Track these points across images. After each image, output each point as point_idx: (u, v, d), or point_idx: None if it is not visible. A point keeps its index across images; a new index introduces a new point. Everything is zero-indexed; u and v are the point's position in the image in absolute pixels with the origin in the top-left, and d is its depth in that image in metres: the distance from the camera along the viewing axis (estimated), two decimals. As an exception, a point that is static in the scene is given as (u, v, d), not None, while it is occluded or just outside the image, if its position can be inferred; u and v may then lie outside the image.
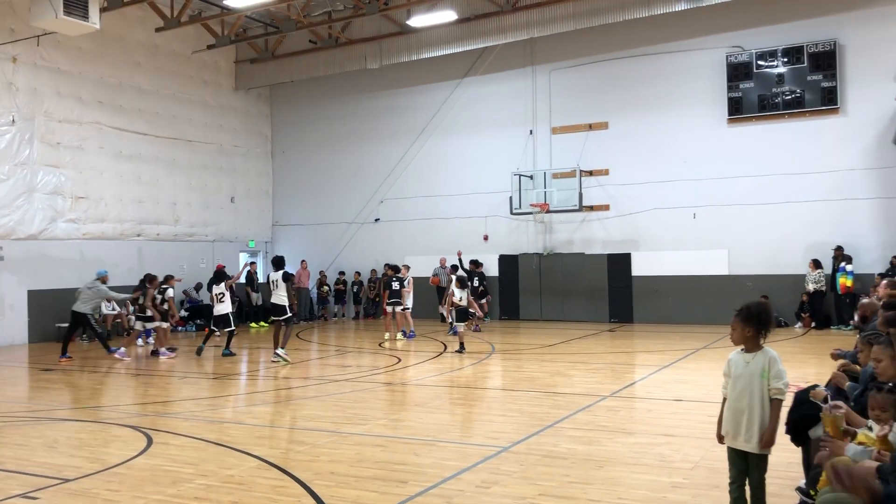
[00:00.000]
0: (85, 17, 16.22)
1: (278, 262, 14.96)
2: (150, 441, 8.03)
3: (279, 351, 14.23)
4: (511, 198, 21.33)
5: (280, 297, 14.49)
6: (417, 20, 20.33)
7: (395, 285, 17.51)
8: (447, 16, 19.90)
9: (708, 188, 19.99)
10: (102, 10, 17.34)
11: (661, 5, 18.72)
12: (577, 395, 10.50)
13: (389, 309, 17.66)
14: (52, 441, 8.27)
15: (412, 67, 23.16)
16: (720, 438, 4.94)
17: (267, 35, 23.20)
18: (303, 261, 24.34)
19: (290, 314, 14.59)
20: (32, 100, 19.23)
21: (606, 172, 21.26)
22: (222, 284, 15.61)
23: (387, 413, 9.79)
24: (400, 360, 14.39)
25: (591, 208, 21.19)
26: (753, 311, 4.75)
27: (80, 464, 7.16)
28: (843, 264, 17.92)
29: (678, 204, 20.30)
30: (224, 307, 15.48)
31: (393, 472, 6.67)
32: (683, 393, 10.36)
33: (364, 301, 24.68)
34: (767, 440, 4.69)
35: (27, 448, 7.98)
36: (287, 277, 14.58)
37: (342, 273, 24.72)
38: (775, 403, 4.68)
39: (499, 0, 20.40)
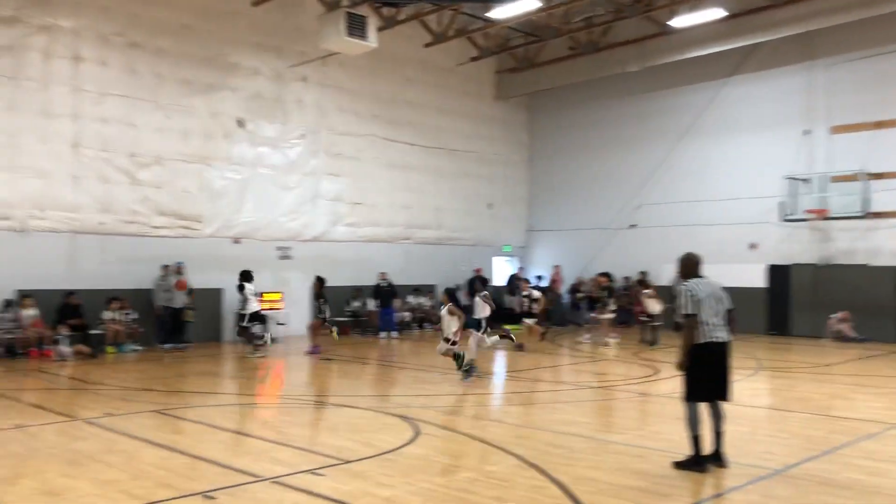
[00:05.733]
0: (364, 37, 17.65)
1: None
2: (417, 432, 8.51)
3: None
4: (782, 203, 19.84)
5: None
6: (681, 20, 19.60)
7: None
8: (714, 13, 18.95)
9: None
10: (379, 29, 18.73)
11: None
12: (861, 420, 9.50)
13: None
14: (332, 424, 9.06)
15: (674, 68, 22.37)
16: None
17: (527, 44, 23.69)
18: (556, 266, 24.50)
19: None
20: (318, 115, 21.28)
21: (898, 175, 19.03)
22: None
23: (644, 424, 9.53)
24: (657, 370, 13.95)
25: (879, 215, 19.05)
26: None
27: (357, 447, 7.76)
28: None
29: None
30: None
31: (655, 485, 6.47)
32: None
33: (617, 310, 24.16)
34: None
35: (313, 429, 8.82)
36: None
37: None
38: None
39: (772, -8, 19.08)
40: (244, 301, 16.02)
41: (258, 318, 16.46)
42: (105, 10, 17.23)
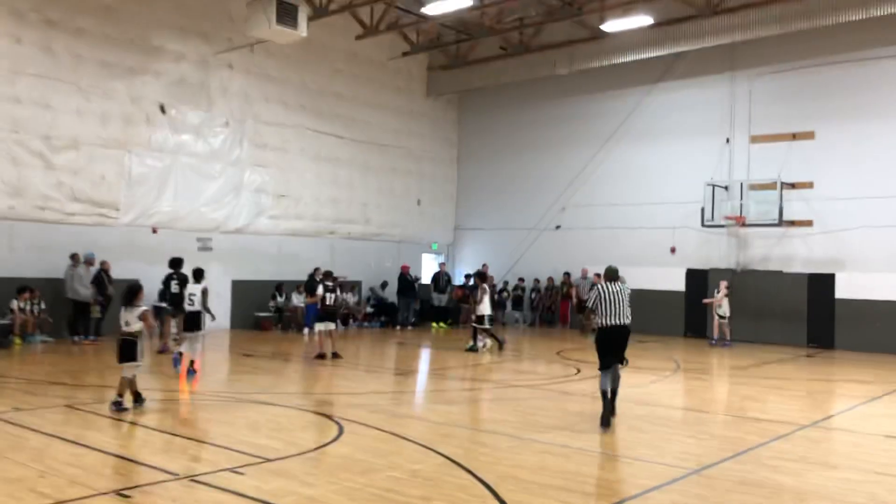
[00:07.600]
0: (294, 25, 17.32)
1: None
2: (341, 430, 8.36)
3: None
4: (703, 209, 20.40)
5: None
6: (611, 25, 19.91)
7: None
8: (643, 20, 19.33)
9: (929, 206, 18.10)
10: (310, 18, 18.39)
11: (880, 6, 17.17)
12: (773, 422, 9.81)
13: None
14: (254, 422, 8.82)
15: (602, 73, 22.74)
16: None
17: (459, 42, 23.68)
18: (484, 264, 24.55)
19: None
20: (244, 104, 20.77)
21: (811, 185, 19.80)
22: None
23: (569, 423, 9.60)
24: (579, 370, 14.14)
25: (793, 223, 19.82)
26: None
27: (279, 445, 7.57)
28: None
29: (893, 222, 18.54)
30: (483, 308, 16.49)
31: (579, 484, 6.52)
32: (897, 429, 9.40)
33: (541, 309, 24.52)
34: None
35: (233, 427, 8.56)
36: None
37: (521, 279, 24.75)
38: None
39: (698, 3, 19.58)
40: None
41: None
42: (20, -15, 16.42)
